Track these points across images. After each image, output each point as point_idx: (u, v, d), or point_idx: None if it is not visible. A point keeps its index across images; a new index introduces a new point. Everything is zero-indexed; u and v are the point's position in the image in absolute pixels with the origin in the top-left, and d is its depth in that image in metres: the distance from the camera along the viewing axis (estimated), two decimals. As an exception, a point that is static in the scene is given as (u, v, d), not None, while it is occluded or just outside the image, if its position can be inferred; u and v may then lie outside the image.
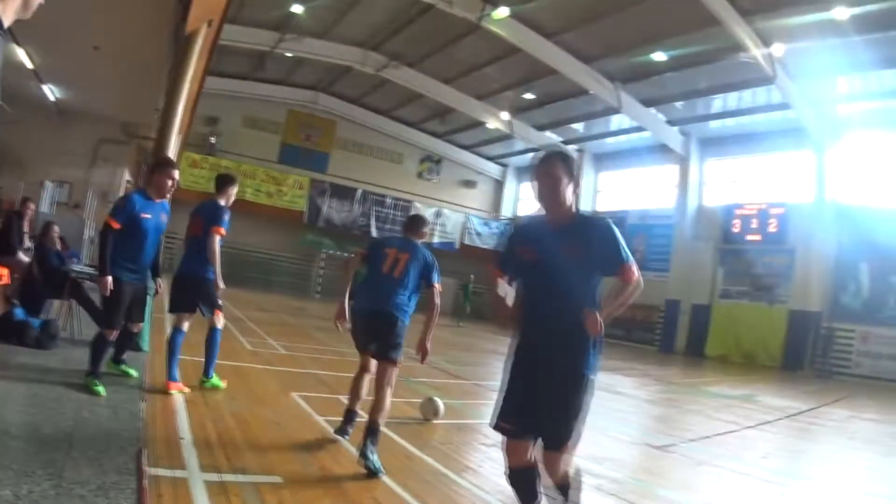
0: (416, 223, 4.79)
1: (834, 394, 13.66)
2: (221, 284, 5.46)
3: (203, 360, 5.62)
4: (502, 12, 17.03)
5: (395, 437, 4.77)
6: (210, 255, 5.33)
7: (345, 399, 4.84)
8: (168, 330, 5.91)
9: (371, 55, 21.77)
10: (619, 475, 4.83)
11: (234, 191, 5.77)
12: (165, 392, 5.09)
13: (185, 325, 5.46)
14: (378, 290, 4.44)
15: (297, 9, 19.02)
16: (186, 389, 5.28)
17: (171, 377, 5.24)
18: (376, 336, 4.41)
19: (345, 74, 24.36)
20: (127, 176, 16.69)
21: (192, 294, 5.44)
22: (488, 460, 4.57)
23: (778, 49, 15.93)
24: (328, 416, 5.10)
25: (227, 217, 5.50)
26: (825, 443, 7.99)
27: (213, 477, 3.28)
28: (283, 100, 27.12)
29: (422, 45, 20.67)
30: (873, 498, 5.18)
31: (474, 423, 6.03)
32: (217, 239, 5.36)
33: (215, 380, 5.62)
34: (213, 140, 25.44)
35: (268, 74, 25.16)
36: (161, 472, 3.22)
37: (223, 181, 5.76)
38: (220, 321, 5.63)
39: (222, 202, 5.58)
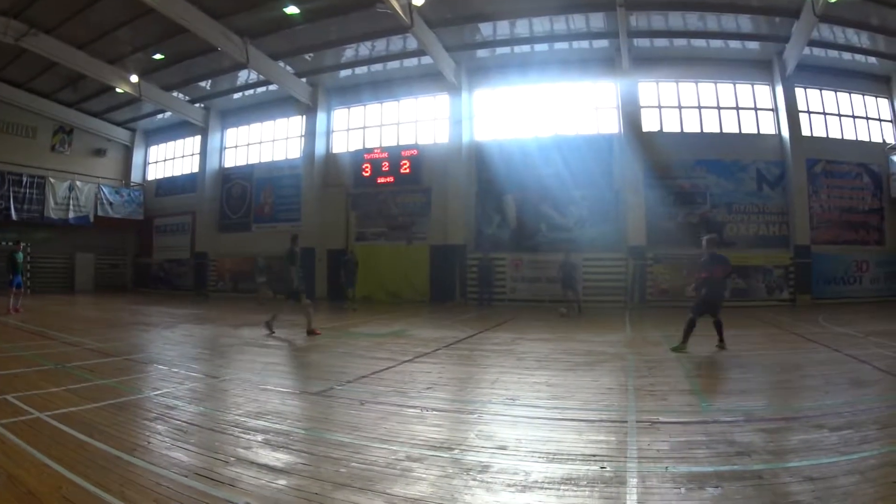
0: None
1: (495, 319, 14.51)
2: None
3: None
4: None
5: (63, 427, 4.55)
6: None
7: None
8: None
9: (13, 23, 19.10)
10: (285, 427, 4.77)
11: None
12: None
13: None
14: None
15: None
16: None
17: None
18: None
19: (-14, 46, 21.05)
20: None
21: None
22: (155, 434, 4.49)
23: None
24: (-1, 419, 4.76)
25: None
26: (495, 366, 7.87)
27: None
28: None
29: (60, 10, 18.61)
30: (558, 411, 5.24)
31: (134, 399, 5.74)
32: None
33: None
34: None
35: None
36: None
37: None
38: None
39: None
